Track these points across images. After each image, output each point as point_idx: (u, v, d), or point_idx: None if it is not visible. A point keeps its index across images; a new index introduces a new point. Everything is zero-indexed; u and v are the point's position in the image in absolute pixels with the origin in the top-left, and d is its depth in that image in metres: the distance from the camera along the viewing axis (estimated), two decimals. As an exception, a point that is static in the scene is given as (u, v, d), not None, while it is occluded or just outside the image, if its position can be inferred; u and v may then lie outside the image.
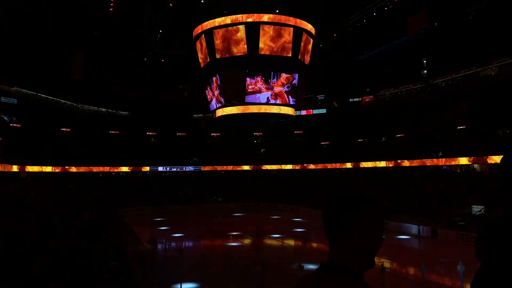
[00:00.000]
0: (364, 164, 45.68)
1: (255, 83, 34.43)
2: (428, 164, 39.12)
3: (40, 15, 40.11)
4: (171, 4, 39.14)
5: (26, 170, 42.88)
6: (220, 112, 37.83)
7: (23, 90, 48.06)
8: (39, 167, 44.02)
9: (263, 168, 55.74)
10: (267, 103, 35.27)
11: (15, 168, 40.69)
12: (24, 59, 46.13)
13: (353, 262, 1.51)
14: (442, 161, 37.37)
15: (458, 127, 39.20)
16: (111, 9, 39.94)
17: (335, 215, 1.56)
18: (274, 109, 36.13)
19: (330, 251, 1.57)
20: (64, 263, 8.78)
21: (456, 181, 35.10)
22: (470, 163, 35.48)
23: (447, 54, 45.67)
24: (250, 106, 35.59)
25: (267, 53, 33.65)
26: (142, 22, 43.21)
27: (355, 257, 1.51)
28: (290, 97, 35.65)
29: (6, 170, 38.73)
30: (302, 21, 34.58)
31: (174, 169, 54.64)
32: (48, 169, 45.10)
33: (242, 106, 35.65)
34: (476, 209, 28.71)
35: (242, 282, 15.30)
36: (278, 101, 35.54)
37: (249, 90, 34.42)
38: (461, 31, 42.45)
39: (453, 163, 36.70)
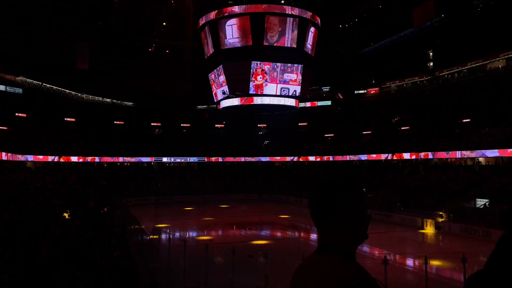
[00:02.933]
0: (368, 157, 45.50)
1: (263, 73, 34.30)
2: (432, 157, 38.95)
3: (45, 5, 39.99)
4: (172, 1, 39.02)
5: (31, 159, 43.09)
6: (224, 103, 37.77)
7: (28, 80, 48.17)
8: (43, 156, 44.20)
9: (266, 159, 55.70)
10: (275, 95, 35.19)
11: (19, 157, 40.90)
12: (29, 49, 46.14)
13: (346, 242, 1.54)
14: (445, 155, 37.15)
15: (463, 120, 38.97)
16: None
17: (330, 198, 1.55)
18: (279, 101, 36.04)
19: (321, 233, 1.60)
20: (68, 251, 8.82)
21: (460, 174, 34.95)
22: (474, 156, 35.28)
23: (453, 47, 45.26)
24: (254, 97, 35.51)
25: (272, 44, 33.48)
26: (147, 13, 43.05)
27: (349, 236, 1.55)
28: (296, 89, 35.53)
29: (11, 159, 38.93)
30: (308, 12, 34.34)
31: (178, 160, 54.70)
32: (53, 158, 45.29)
33: (247, 97, 35.59)
34: (481, 202, 28.62)
35: (245, 273, 15.36)
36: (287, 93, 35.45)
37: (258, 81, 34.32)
38: (468, 23, 42.00)
39: (456, 156, 36.49)
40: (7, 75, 46.12)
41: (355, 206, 1.54)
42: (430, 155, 38.58)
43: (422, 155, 39.07)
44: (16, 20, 41.70)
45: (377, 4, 41.22)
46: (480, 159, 36.41)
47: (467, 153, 35.05)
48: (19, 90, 46.92)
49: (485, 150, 33.32)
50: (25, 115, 46.84)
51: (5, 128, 42.50)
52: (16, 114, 46.20)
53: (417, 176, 37.76)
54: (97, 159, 49.10)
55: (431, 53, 51.64)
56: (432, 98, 44.74)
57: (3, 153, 37.13)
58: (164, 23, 45.14)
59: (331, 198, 1.55)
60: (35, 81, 48.91)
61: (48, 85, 50.26)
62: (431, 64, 51.12)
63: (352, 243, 1.55)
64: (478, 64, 41.84)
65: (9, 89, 45.86)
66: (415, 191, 34.32)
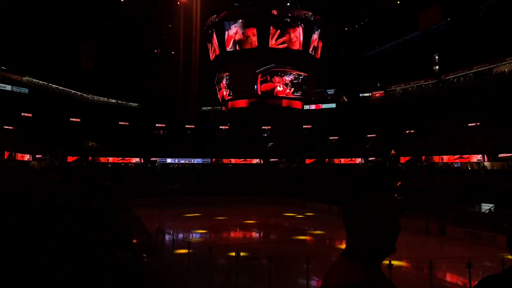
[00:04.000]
0: (372, 160, 45.33)
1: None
2: (436, 161, 38.76)
3: (51, 6, 40.22)
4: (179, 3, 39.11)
5: (36, 159, 43.26)
6: (230, 105, 37.78)
7: (34, 80, 48.46)
8: (48, 156, 44.37)
9: (271, 161, 55.62)
10: (278, 97, 35.15)
11: (25, 157, 41.08)
12: (36, 49, 46.40)
13: (363, 249, 1.50)
14: (452, 158, 36.95)
15: (469, 124, 38.76)
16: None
17: (344, 203, 1.55)
18: (284, 103, 36.00)
19: (347, 237, 1.58)
20: (71, 252, 8.82)
21: (465, 178, 34.74)
22: (480, 160, 35.07)
23: (459, 50, 45.07)
24: (259, 99, 35.49)
25: (277, 46, 33.46)
26: (153, 14, 43.21)
27: (365, 244, 1.49)
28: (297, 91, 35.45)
29: (16, 158, 39.11)
30: (313, 14, 34.32)
31: (183, 161, 54.74)
32: (58, 158, 45.45)
33: (252, 99, 35.58)
34: (486, 207, 28.41)
35: (249, 275, 15.32)
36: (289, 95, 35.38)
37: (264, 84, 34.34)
38: (474, 26, 41.83)
39: (463, 160, 36.30)
40: (14, 75, 46.45)
41: (373, 213, 1.47)
42: (434, 159, 38.41)
43: (426, 158, 38.89)
44: (22, 21, 41.97)
45: (383, 8, 41.16)
46: (485, 163, 36.19)
47: (472, 157, 34.84)
48: (25, 90, 47.22)
49: (489, 154, 33.14)
50: (30, 115, 47.11)
51: (11, 127, 42.74)
52: (22, 114, 46.48)
53: (422, 179, 37.56)
54: (101, 159, 49.23)
55: (436, 57, 51.46)
56: (437, 101, 44.53)
57: (9, 153, 37.31)
58: (170, 25, 45.27)
59: (349, 203, 1.53)
60: (41, 81, 49.22)
61: (54, 86, 50.54)
62: (437, 67, 50.96)
63: (372, 251, 1.49)
64: (484, 68, 41.63)
65: (15, 89, 46.17)
66: (420, 195, 34.12)
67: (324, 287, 1.53)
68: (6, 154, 36.92)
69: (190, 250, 16.67)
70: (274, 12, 33.16)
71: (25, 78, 47.58)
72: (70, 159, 46.39)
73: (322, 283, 1.57)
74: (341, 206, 1.57)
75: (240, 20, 33.51)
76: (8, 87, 45.48)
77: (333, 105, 58.39)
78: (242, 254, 15.02)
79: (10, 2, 38.84)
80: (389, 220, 1.48)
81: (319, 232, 28.71)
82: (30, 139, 43.29)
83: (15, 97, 45.39)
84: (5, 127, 41.71)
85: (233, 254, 14.96)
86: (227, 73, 35.54)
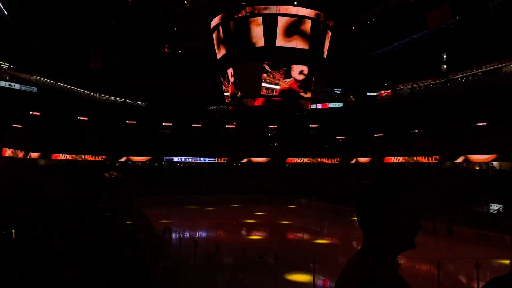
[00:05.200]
0: (379, 159, 45.11)
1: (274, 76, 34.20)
2: (443, 161, 38.52)
3: (59, 5, 40.46)
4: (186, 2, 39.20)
5: (44, 157, 43.59)
6: (236, 104, 37.78)
7: (42, 78, 48.81)
8: (56, 154, 44.69)
9: (277, 161, 55.58)
10: (285, 95, 35.05)
11: (33, 155, 41.40)
12: (44, 48, 46.73)
13: (381, 246, 1.57)
14: (459, 158, 36.70)
15: (478, 124, 38.47)
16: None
17: (368, 202, 1.60)
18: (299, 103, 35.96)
19: (364, 236, 1.64)
20: (79, 250, 8.88)
21: (473, 179, 34.49)
22: (489, 160, 34.80)
23: (467, 49, 44.72)
24: (265, 98, 35.41)
25: (285, 45, 33.35)
26: (160, 13, 43.30)
27: (386, 243, 1.57)
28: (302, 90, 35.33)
29: (25, 157, 39.43)
30: (321, 13, 34.16)
31: (189, 160, 54.85)
32: (66, 157, 45.77)
33: (258, 98, 35.53)
34: (494, 207, 28.20)
35: (256, 273, 15.33)
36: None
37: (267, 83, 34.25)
38: (483, 26, 41.48)
39: (471, 160, 36.02)
40: (22, 74, 46.83)
41: (387, 213, 1.55)
42: (443, 159, 38.19)
43: (434, 158, 38.67)
44: (31, 19, 42.26)
45: (391, 7, 40.91)
46: (494, 163, 35.90)
47: (481, 157, 34.59)
48: (33, 89, 47.58)
49: (497, 154, 32.89)
50: (39, 113, 47.44)
51: (19, 126, 43.08)
52: (31, 112, 46.82)
53: (430, 180, 37.35)
54: (109, 158, 49.49)
55: (445, 56, 51.10)
56: (445, 101, 44.21)
57: (18, 151, 37.63)
58: (177, 24, 45.36)
59: (366, 203, 1.60)
60: (49, 80, 49.55)
61: (62, 84, 50.88)
62: (445, 66, 50.59)
63: (389, 249, 1.58)
64: (493, 67, 41.28)
65: (24, 87, 46.53)
66: (428, 195, 33.93)
67: (340, 283, 1.61)
68: (15, 152, 37.23)
69: (197, 249, 16.72)
70: (282, 11, 33.01)
71: (33, 77, 47.94)
72: (78, 157, 46.68)
73: (338, 280, 1.64)
74: (362, 204, 1.62)
75: (247, 19, 33.39)
76: (17, 86, 45.85)
77: (340, 104, 58.20)
78: (248, 253, 15.02)
79: (19, 1, 39.14)
80: (414, 218, 1.58)
81: (325, 231, 28.65)
82: (38, 137, 43.62)
83: (23, 96, 45.75)
84: (13, 125, 42.05)
85: (240, 253, 14.98)
86: (233, 72, 35.49)
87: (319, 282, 14.84)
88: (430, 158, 39.31)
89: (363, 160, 47.55)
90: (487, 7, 41.32)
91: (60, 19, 42.57)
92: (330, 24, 35.53)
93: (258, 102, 35.98)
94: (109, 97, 57.05)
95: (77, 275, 7.13)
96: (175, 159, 53.74)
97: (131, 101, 59.21)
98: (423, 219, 29.83)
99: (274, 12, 32.95)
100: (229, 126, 61.28)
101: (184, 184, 48.22)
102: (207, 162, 55.29)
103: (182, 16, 43.70)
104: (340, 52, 49.58)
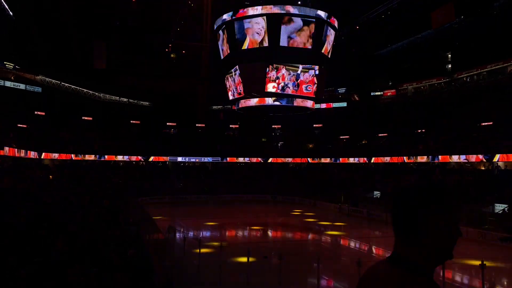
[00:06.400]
0: (383, 159, 44.94)
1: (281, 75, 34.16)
2: (448, 161, 38.33)
3: (64, 6, 40.63)
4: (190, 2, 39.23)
5: (49, 157, 43.74)
6: (240, 104, 37.76)
7: (47, 78, 49.01)
8: (61, 154, 44.83)
9: (281, 161, 55.52)
10: (291, 95, 35.04)
11: (38, 155, 41.54)
12: (49, 48, 46.91)
13: (422, 257, 1.40)
14: (464, 158, 36.50)
15: (483, 123, 38.27)
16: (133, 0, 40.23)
17: (410, 209, 1.40)
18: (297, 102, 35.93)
19: (398, 244, 1.46)
20: (82, 249, 8.89)
21: (478, 178, 34.31)
22: (494, 160, 34.59)
23: (472, 49, 44.54)
24: (267, 98, 35.40)
25: (288, 45, 33.30)
26: (164, 13, 43.38)
27: (427, 253, 1.40)
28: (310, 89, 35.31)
29: (29, 156, 39.59)
30: (325, 13, 34.09)
31: (193, 160, 54.86)
32: (70, 156, 45.90)
33: (263, 98, 35.50)
34: (499, 207, 28.04)
35: (260, 273, 15.31)
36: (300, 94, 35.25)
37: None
38: (488, 25, 41.27)
39: (476, 160, 35.82)
40: (27, 74, 47.05)
41: (435, 222, 1.39)
42: (447, 159, 37.99)
43: (439, 158, 38.48)
44: (36, 20, 42.44)
45: (395, 6, 40.77)
46: (499, 163, 35.70)
47: (486, 157, 34.38)
48: (38, 89, 47.79)
49: (502, 154, 32.68)
50: (43, 113, 47.63)
51: (24, 126, 43.26)
52: (35, 112, 47.01)
53: (434, 179, 37.16)
54: (113, 157, 49.59)
55: (449, 55, 50.89)
56: (450, 100, 44.03)
57: (22, 151, 37.78)
58: (181, 23, 45.42)
59: (406, 210, 1.41)
60: (54, 80, 49.75)
61: (66, 84, 51.08)
62: (449, 66, 50.39)
63: (430, 260, 1.41)
64: (498, 66, 41.06)
65: (28, 87, 46.76)
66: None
67: None
68: (20, 152, 37.38)
69: (201, 248, 16.72)
70: (286, 10, 32.97)
71: (38, 77, 48.14)
72: (82, 157, 46.81)
73: None
74: (405, 212, 1.42)
75: (251, 19, 33.39)
76: (22, 86, 46.08)
77: (344, 104, 58.07)
78: (252, 252, 15.01)
79: (24, 2, 39.31)
80: (452, 230, 1.44)
81: (329, 232, 28.58)
82: (43, 137, 43.78)
83: (28, 96, 45.96)
84: (18, 125, 42.24)
85: (244, 252, 14.96)
86: (237, 72, 35.47)
87: (323, 282, 14.80)
88: (434, 157, 39.11)
89: (366, 160, 47.32)
90: (492, 6, 41.10)
91: (65, 19, 42.74)
92: (334, 24, 35.44)
93: (262, 101, 35.99)
94: (113, 97, 57.20)
95: (80, 274, 7.14)
96: (179, 159, 53.78)
97: (135, 101, 59.36)
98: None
99: (278, 12, 32.91)
100: (233, 126, 61.28)
101: (188, 184, 48.25)
102: (211, 162, 55.30)
103: (186, 15, 43.74)
104: (344, 51, 49.50)
